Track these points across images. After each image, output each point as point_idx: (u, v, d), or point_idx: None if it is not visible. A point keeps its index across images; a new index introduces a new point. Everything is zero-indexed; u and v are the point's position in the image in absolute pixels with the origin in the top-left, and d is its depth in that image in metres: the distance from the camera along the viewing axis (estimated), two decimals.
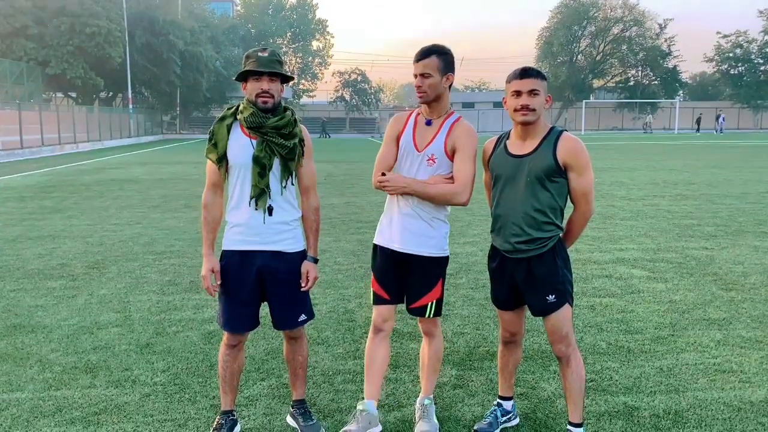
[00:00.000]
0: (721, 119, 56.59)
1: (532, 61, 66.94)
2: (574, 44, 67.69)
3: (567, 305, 3.04)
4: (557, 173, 2.95)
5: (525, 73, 2.94)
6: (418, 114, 3.23)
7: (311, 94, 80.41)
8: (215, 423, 3.28)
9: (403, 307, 3.38)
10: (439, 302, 3.27)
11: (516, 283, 3.10)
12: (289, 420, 3.41)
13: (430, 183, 3.09)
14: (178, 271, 6.79)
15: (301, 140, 3.12)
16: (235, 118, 3.09)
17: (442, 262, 3.26)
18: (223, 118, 3.10)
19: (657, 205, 11.42)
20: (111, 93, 51.68)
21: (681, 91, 72.03)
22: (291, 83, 72.21)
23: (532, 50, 75.20)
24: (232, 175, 3.09)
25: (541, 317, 3.10)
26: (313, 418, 3.35)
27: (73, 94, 46.77)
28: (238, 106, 3.12)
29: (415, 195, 3.10)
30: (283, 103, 3.13)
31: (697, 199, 12.28)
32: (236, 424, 3.30)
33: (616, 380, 3.95)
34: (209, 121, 55.64)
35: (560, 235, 3.07)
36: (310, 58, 77.89)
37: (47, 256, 7.59)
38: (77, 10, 39.40)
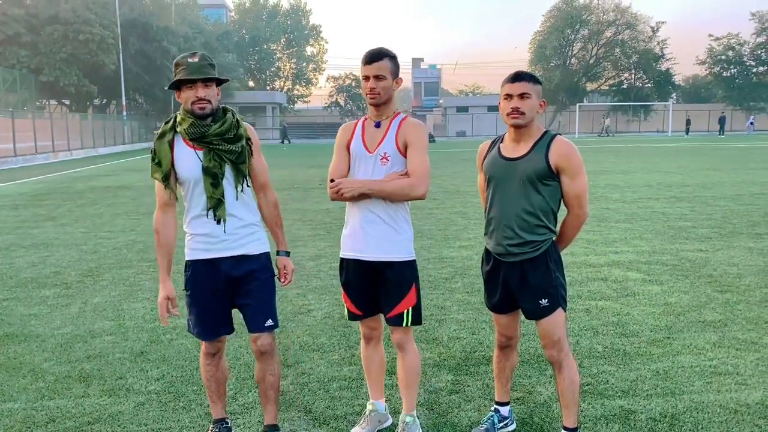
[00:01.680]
0: (749, 122, 57.57)
1: (525, 65, 67.09)
2: (567, 48, 67.88)
3: (560, 309, 3.03)
4: (549, 176, 2.96)
5: (517, 77, 2.97)
6: (365, 119, 3.22)
7: (306, 99, 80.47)
8: None
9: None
10: (417, 310, 3.17)
11: (509, 286, 3.10)
12: None
13: (386, 180, 3.06)
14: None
15: (248, 140, 3.01)
16: (176, 132, 2.96)
17: (412, 265, 3.19)
18: (162, 135, 2.96)
19: (651, 208, 11.44)
20: (105, 100, 51.60)
21: (674, 94, 72.30)
22: (285, 89, 71.27)
23: (526, 54, 75.51)
24: (185, 189, 2.99)
25: (534, 321, 3.10)
26: None
27: (67, 102, 46.66)
28: (175, 117, 2.98)
29: (372, 194, 3.05)
30: (221, 106, 3.01)
31: (691, 201, 12.31)
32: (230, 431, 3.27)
33: (613, 384, 3.94)
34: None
35: (553, 238, 3.07)
36: (304, 64, 77.96)
37: (40, 264, 7.55)
38: (70, 18, 39.35)
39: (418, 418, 3.38)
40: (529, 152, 2.98)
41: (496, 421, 3.36)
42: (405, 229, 3.17)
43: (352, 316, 3.30)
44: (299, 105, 78.98)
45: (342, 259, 3.26)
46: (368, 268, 3.16)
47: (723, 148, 33.47)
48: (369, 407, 3.41)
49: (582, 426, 3.37)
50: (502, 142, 3.14)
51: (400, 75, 3.16)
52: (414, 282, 3.18)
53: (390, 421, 3.46)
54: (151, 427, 3.47)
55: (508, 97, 2.96)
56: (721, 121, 56.44)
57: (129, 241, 9.02)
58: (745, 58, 66.14)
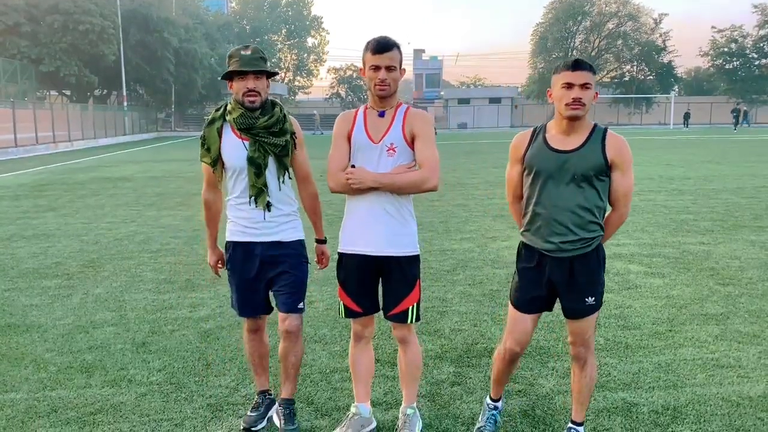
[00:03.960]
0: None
1: (527, 57, 66.95)
2: (569, 40, 67.68)
3: (599, 309, 2.97)
4: (605, 172, 2.83)
5: (578, 64, 2.77)
6: (366, 108, 3.10)
7: (306, 90, 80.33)
8: (254, 403, 3.46)
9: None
10: (419, 305, 3.12)
11: (553, 284, 2.95)
12: (274, 417, 3.42)
13: (396, 173, 2.97)
14: (174, 270, 6.75)
15: (292, 134, 3.16)
16: (225, 120, 3.12)
17: (418, 261, 3.13)
18: (212, 122, 3.13)
19: (653, 200, 11.42)
20: (105, 91, 51.46)
21: (676, 86, 72.11)
22: (285, 80, 71.33)
23: (527, 46, 75.28)
24: (230, 176, 3.17)
25: (569, 319, 2.99)
26: (294, 422, 3.30)
27: (68, 92, 46.55)
28: (226, 105, 3.14)
29: (383, 188, 2.96)
30: (270, 99, 3.15)
31: (693, 193, 12.29)
32: (274, 403, 3.45)
33: (615, 376, 3.94)
34: (204, 118, 55.40)
35: (602, 235, 2.94)
36: (305, 55, 77.76)
37: (42, 255, 7.55)
38: (70, 8, 39.19)
39: (419, 409, 3.38)
40: (583, 145, 2.82)
41: (498, 419, 3.30)
42: (410, 223, 3.09)
43: (351, 313, 3.17)
44: (300, 96, 78.83)
45: (341, 254, 3.15)
46: (372, 263, 3.07)
47: (723, 141, 33.38)
48: (353, 410, 3.30)
49: (585, 419, 3.37)
50: (546, 132, 2.94)
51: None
52: (418, 277, 3.12)
53: (373, 425, 3.31)
54: (153, 417, 3.47)
55: (569, 86, 2.76)
56: (736, 113, 52.06)
57: (130, 232, 9.01)
58: (748, 51, 65.89)
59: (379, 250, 3.04)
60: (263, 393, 3.48)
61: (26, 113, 30.74)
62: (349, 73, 69.24)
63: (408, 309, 3.09)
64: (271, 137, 3.06)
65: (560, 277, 2.91)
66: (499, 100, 65.71)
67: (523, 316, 3.04)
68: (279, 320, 3.26)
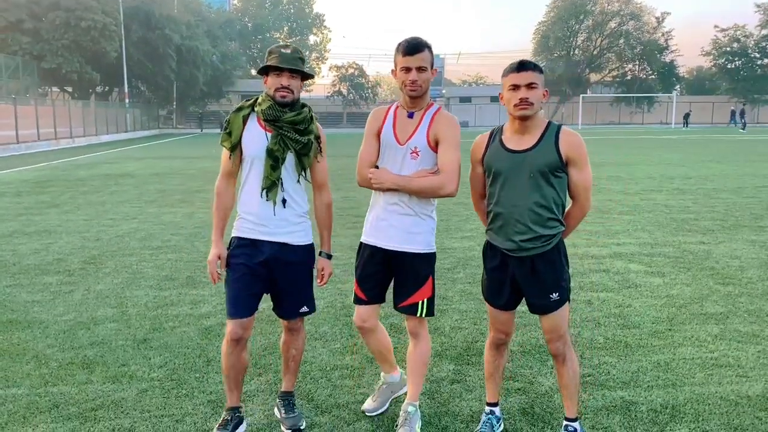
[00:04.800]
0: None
1: (528, 56, 66.83)
2: (571, 38, 67.60)
3: (566, 303, 3.02)
4: (560, 168, 2.90)
5: (522, 66, 2.87)
6: (398, 107, 3.17)
7: (308, 88, 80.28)
8: (221, 420, 3.23)
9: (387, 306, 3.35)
10: (431, 301, 3.20)
11: (517, 282, 3.03)
12: (276, 410, 3.46)
13: (415, 177, 3.04)
14: (175, 267, 6.77)
15: (317, 137, 3.17)
16: (253, 110, 3.15)
17: (430, 258, 3.20)
18: (240, 109, 3.17)
19: (654, 200, 11.42)
20: (107, 87, 51.53)
21: (678, 86, 72.03)
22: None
23: (529, 44, 75.26)
24: (245, 165, 3.14)
25: (537, 315, 3.08)
26: (295, 410, 3.38)
27: (69, 89, 46.59)
28: (257, 98, 3.17)
29: (401, 190, 3.06)
30: (300, 101, 3.17)
31: (694, 193, 12.29)
32: (242, 422, 3.26)
33: (614, 375, 3.95)
34: (206, 116, 55.47)
35: (562, 231, 3.01)
36: (307, 53, 77.74)
37: (43, 252, 7.57)
38: (72, 4, 39.25)
39: (419, 407, 3.40)
40: (537, 144, 2.90)
41: (494, 423, 3.28)
42: (427, 222, 3.16)
43: (357, 299, 3.30)
44: (302, 94, 78.73)
45: (361, 243, 3.29)
46: (384, 256, 3.17)
47: (724, 140, 33.34)
48: (381, 380, 3.53)
49: (583, 417, 3.39)
50: (502, 134, 3.03)
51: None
52: (431, 274, 3.19)
53: (405, 389, 3.49)
54: (154, 413, 3.49)
55: (515, 87, 2.86)
56: (742, 113, 50.96)
57: (131, 228, 9.03)
58: (750, 51, 65.78)
59: (390, 244, 3.15)
60: (233, 410, 3.25)
61: (28, 109, 30.78)
62: (350, 71, 69.15)
63: (418, 303, 3.17)
64: (294, 133, 3.07)
65: (523, 276, 3.00)
66: (500, 100, 65.57)
67: (500, 311, 3.17)
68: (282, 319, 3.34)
